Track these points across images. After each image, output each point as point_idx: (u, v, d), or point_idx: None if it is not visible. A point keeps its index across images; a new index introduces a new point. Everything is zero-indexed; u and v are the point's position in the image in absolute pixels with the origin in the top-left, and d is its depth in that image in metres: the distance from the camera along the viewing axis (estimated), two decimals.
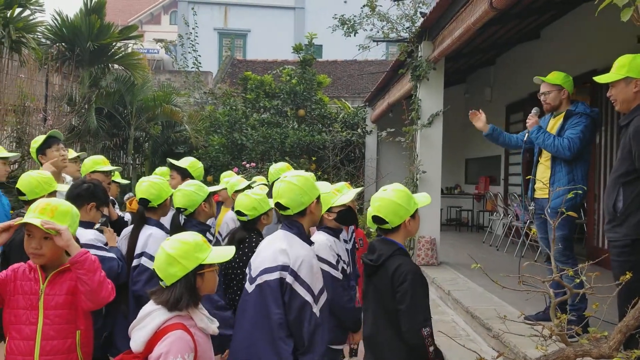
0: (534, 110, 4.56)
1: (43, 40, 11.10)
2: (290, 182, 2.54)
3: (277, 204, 2.55)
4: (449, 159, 13.36)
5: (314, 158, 10.10)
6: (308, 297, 2.44)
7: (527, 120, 4.49)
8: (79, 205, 3.25)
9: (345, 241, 4.43)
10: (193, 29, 13.89)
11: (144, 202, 3.29)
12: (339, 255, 3.50)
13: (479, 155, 12.43)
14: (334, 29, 7.86)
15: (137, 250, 3.16)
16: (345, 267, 3.49)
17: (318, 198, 2.63)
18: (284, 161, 10.34)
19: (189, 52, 14.17)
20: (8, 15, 9.23)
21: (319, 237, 3.51)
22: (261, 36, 25.05)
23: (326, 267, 3.39)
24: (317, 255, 3.47)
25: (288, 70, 12.04)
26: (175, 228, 3.25)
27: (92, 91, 11.51)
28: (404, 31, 7.40)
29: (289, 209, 2.53)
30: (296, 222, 2.57)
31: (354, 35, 7.44)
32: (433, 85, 7.41)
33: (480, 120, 4.88)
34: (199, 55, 13.72)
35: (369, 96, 12.92)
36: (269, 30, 25.01)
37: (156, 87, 13.34)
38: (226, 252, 2.20)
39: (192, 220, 3.35)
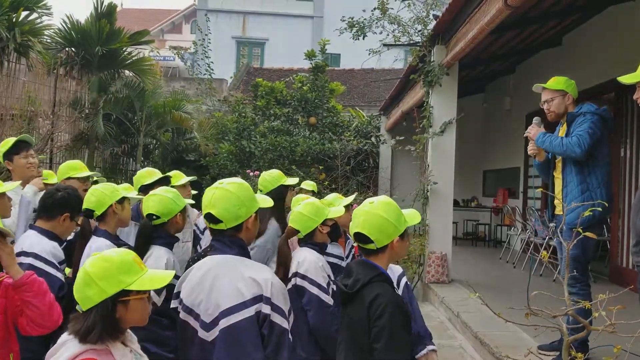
0: (535, 120, 4.15)
1: (52, 44, 10.94)
2: (226, 189, 2.12)
3: (208, 216, 2.11)
4: (466, 170, 12.91)
5: (321, 167, 9.73)
6: (285, 324, 2.07)
7: (528, 132, 4.06)
8: (51, 216, 2.96)
9: (341, 258, 4.06)
10: (206, 35, 13.67)
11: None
12: (329, 277, 3.12)
13: (497, 166, 11.94)
14: (341, 32, 7.53)
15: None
16: (334, 289, 3.13)
17: (256, 212, 2.22)
18: (292, 170, 10.08)
19: (202, 59, 13.97)
20: (14, 18, 9.06)
21: (307, 256, 3.10)
22: (279, 45, 24.88)
23: (316, 291, 2.99)
24: (306, 276, 3.08)
25: (300, 77, 11.73)
26: (144, 239, 2.90)
27: (101, 96, 11.32)
28: (416, 35, 7.02)
29: (221, 222, 2.09)
30: (237, 240, 2.12)
31: (363, 39, 7.09)
32: (446, 91, 7.00)
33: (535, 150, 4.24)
34: (212, 62, 13.51)
35: (384, 104, 12.55)
36: (287, 39, 24.82)
37: (169, 94, 13.14)
38: (162, 277, 1.82)
39: (160, 231, 2.94)
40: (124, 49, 11.84)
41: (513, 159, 10.89)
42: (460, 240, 12.31)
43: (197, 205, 3.80)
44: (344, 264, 3.97)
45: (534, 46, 9.07)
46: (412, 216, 2.21)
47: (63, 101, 11.50)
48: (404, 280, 3.16)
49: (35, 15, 9.74)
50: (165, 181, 4.08)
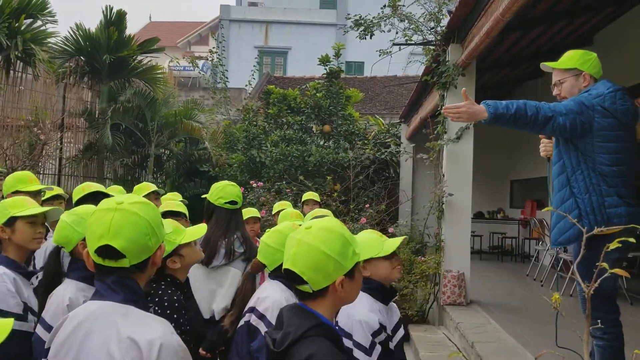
0: None
1: (59, 53, 10.69)
2: (131, 212, 1.55)
3: (104, 250, 1.52)
4: (491, 180, 12.18)
5: (328, 177, 9.14)
6: None
7: (451, 109, 3.11)
8: None
9: None
10: (220, 42, 13.32)
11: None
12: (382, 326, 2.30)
13: (526, 176, 11.18)
14: (346, 30, 7.00)
15: None
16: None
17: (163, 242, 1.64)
18: (304, 180, 9.54)
19: (216, 68, 13.61)
20: (16, 26, 8.82)
21: (272, 293, 2.47)
22: (302, 53, 24.48)
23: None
24: (264, 316, 2.39)
25: (314, 83, 11.21)
26: (49, 271, 2.36)
27: (110, 106, 11.02)
28: (429, 33, 6.42)
29: (124, 256, 1.52)
30: (128, 281, 1.54)
31: (370, 38, 6.53)
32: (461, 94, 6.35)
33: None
34: (226, 71, 13.13)
35: (403, 111, 11.96)
36: (310, 48, 24.39)
37: (183, 104, 12.79)
38: None
39: (77, 262, 2.28)
40: (134, 58, 11.56)
41: (542, 168, 10.09)
42: (485, 254, 11.58)
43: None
44: None
45: (563, 46, 8.34)
46: (372, 246, 1.63)
47: (72, 111, 11.27)
48: (400, 332, 2.51)
49: (39, 22, 9.50)
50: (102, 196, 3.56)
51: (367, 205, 7.90)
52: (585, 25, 7.62)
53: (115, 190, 4.12)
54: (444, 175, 6.49)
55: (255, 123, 10.53)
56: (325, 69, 10.82)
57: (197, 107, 12.23)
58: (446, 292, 6.23)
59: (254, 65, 13.24)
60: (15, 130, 9.49)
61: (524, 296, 7.21)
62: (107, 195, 3.37)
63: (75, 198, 3.42)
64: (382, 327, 2.26)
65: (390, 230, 7.16)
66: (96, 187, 3.49)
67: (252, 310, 2.48)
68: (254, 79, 13.31)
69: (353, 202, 8.42)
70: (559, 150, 3.14)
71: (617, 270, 1.79)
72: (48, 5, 9.55)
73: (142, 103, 11.46)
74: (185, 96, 16.05)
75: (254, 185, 8.42)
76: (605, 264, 1.89)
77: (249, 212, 4.72)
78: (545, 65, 3.31)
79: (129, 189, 11.93)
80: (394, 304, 2.58)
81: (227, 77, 13.39)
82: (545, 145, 3.37)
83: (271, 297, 2.45)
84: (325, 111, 10.54)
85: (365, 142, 10.69)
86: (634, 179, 3.05)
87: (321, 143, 10.58)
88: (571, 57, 3.21)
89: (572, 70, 3.16)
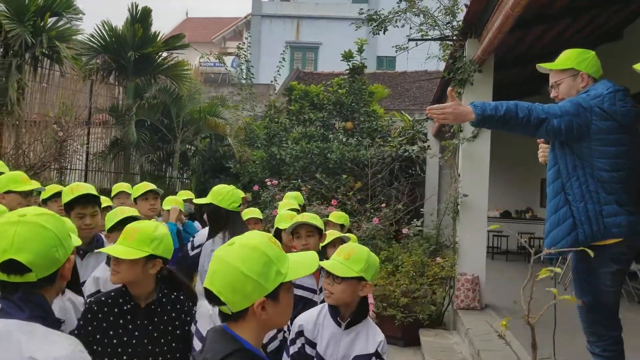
0: None
1: (85, 50, 10.85)
2: (36, 224, 1.48)
3: (7, 265, 1.42)
4: (519, 178, 11.85)
5: (344, 176, 8.99)
6: None
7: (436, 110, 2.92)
8: None
9: (313, 291, 3.40)
10: (246, 39, 13.30)
11: None
12: None
13: None
14: (358, 26, 6.86)
15: None
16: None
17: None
18: (320, 178, 9.42)
19: (242, 64, 13.62)
20: (42, 23, 8.96)
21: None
22: (333, 49, 24.24)
23: None
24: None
25: (338, 79, 11.07)
26: None
27: (136, 102, 11.14)
28: (445, 27, 6.22)
29: (30, 270, 1.44)
30: (35, 297, 1.46)
31: (384, 33, 6.37)
32: (479, 91, 6.14)
33: None
34: (252, 67, 13.11)
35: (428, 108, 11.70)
36: (341, 43, 24.12)
37: (209, 100, 12.84)
38: None
39: None
40: (159, 54, 11.65)
41: None
42: (512, 254, 11.28)
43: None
44: (317, 298, 3.31)
45: (590, 41, 8.00)
46: (304, 264, 1.51)
47: (99, 107, 11.45)
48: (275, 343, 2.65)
49: (64, 20, 9.64)
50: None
51: (384, 205, 7.73)
52: (613, 18, 7.28)
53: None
54: (459, 175, 6.30)
55: (276, 120, 10.47)
56: (348, 65, 10.66)
57: (222, 104, 12.24)
58: (460, 296, 6.05)
59: (280, 61, 13.13)
60: (42, 127, 9.70)
61: (543, 302, 6.94)
62: (97, 197, 3.35)
63: (64, 200, 3.39)
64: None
65: (405, 231, 7.00)
66: (86, 189, 3.41)
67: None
68: (279, 74, 13.26)
69: (371, 201, 8.26)
70: (554, 154, 2.96)
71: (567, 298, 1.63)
72: (74, 3, 9.69)
73: (167, 99, 11.55)
74: (215, 92, 16.14)
75: (269, 183, 8.35)
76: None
77: (250, 213, 4.65)
78: (542, 67, 3.10)
79: (156, 185, 12.13)
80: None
81: (252, 74, 13.39)
82: (544, 151, 3.19)
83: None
84: (347, 108, 10.39)
85: (389, 139, 10.50)
86: (637, 186, 2.84)
87: (344, 140, 10.44)
88: (568, 57, 3.00)
89: (569, 71, 2.97)
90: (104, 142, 11.73)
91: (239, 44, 14.08)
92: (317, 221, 3.31)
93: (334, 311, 2.41)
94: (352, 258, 2.28)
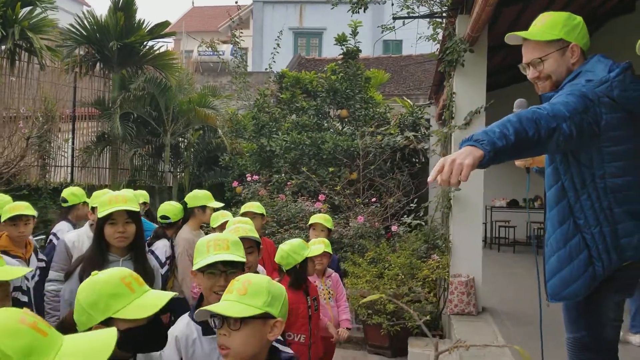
0: (517, 102, 2.48)
1: (65, 41, 10.35)
2: None
3: None
4: None
5: (331, 169, 8.39)
6: None
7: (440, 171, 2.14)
8: None
9: None
10: (237, 24, 12.75)
11: None
12: None
13: None
14: (334, 4, 6.27)
15: None
16: None
17: None
18: (319, 170, 8.86)
19: (236, 51, 13.08)
20: (13, 15, 8.46)
21: None
22: (337, 34, 23.63)
23: None
24: None
25: (331, 65, 10.46)
26: None
27: (121, 94, 10.64)
28: (434, 3, 5.60)
29: None
30: None
31: (364, 11, 5.77)
32: (471, 73, 5.51)
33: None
34: (244, 54, 12.54)
35: (430, 92, 11.10)
36: (346, 28, 23.51)
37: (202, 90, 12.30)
38: None
39: None
40: (145, 44, 11.13)
41: None
42: (520, 245, 10.66)
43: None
44: None
45: (600, 15, 7.31)
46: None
47: (84, 101, 10.98)
48: None
49: (38, 10, 9.14)
50: None
51: (374, 200, 7.14)
52: None
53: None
54: None
55: (266, 109, 9.89)
56: (342, 49, 10.04)
57: (212, 93, 11.69)
58: (453, 301, 5.47)
59: (274, 47, 12.54)
60: (13, 124, 9.20)
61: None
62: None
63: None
64: None
65: (394, 228, 6.42)
66: (22, 210, 3.22)
67: None
68: (274, 62, 12.67)
69: (363, 194, 7.68)
70: (554, 168, 2.28)
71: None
72: None
73: (154, 90, 11.03)
74: (213, 82, 15.60)
75: (249, 178, 7.80)
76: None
77: (249, 207, 4.44)
78: (515, 36, 2.36)
79: (144, 179, 11.63)
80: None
81: (245, 62, 12.84)
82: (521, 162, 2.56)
83: None
84: (341, 94, 9.78)
85: (387, 127, 9.86)
86: None
87: (340, 129, 9.85)
88: (553, 24, 2.30)
89: (556, 43, 2.28)
90: (90, 137, 11.26)
91: (232, 31, 13.52)
92: (253, 233, 2.76)
93: None
94: (249, 292, 1.69)
